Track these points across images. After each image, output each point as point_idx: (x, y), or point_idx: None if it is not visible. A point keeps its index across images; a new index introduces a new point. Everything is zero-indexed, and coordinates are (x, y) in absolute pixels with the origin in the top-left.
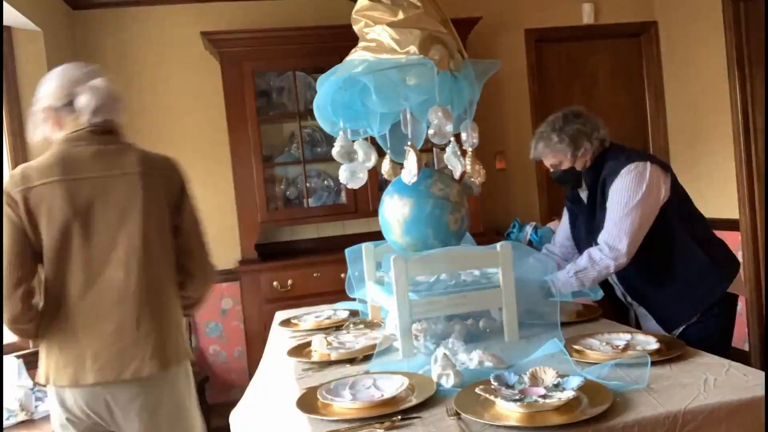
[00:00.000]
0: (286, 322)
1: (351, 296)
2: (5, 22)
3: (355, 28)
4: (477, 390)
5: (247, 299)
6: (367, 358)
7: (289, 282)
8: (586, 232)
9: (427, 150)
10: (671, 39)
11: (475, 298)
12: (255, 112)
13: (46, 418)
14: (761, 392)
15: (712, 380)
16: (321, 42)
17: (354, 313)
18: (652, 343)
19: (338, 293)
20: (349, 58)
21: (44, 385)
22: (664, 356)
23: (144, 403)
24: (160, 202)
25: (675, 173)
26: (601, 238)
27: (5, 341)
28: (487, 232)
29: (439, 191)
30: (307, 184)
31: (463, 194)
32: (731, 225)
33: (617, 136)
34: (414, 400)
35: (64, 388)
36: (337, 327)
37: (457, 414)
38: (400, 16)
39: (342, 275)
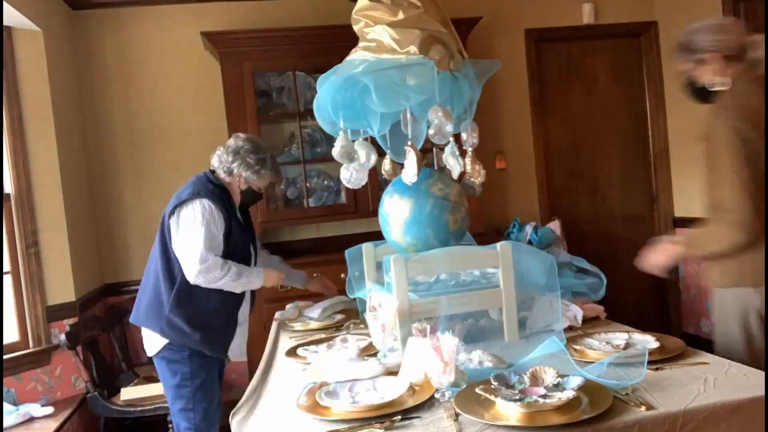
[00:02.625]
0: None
1: (351, 296)
2: (5, 22)
3: (355, 28)
4: (477, 390)
5: None
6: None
7: None
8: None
9: (427, 150)
10: (671, 39)
11: (475, 298)
12: (255, 112)
13: (44, 417)
14: (761, 392)
15: (712, 380)
16: (321, 42)
17: (353, 314)
18: (651, 342)
19: (338, 293)
20: (349, 58)
21: None
22: (664, 356)
23: None
24: None
25: (673, 172)
26: None
27: (5, 341)
28: (487, 232)
29: (439, 191)
30: (307, 184)
31: (463, 194)
32: None
33: (617, 136)
34: (413, 402)
35: None
36: (338, 327)
37: (457, 414)
38: (400, 16)
39: (342, 275)
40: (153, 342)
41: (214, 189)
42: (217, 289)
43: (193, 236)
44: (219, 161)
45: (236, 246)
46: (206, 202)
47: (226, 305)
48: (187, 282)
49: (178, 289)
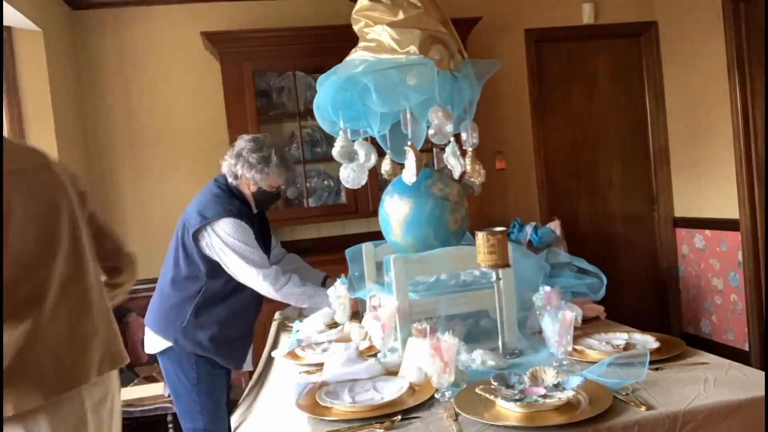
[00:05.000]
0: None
1: (351, 297)
2: (5, 22)
3: (355, 28)
4: (477, 390)
5: None
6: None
7: None
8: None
9: (427, 150)
10: (671, 39)
11: (475, 298)
12: (255, 112)
13: None
14: (761, 392)
15: (712, 380)
16: (321, 42)
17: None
18: (651, 342)
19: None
20: (349, 58)
21: None
22: (664, 356)
23: None
24: None
25: (673, 172)
26: None
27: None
28: None
29: (439, 191)
30: (307, 184)
31: (463, 194)
32: (731, 225)
33: (617, 136)
34: (413, 402)
35: None
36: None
37: (457, 414)
38: (400, 16)
39: (342, 275)
40: (157, 342)
41: (233, 202)
42: (237, 303)
43: (238, 254)
44: (226, 166)
45: None
46: (231, 220)
47: (246, 317)
48: (209, 296)
49: (198, 303)
